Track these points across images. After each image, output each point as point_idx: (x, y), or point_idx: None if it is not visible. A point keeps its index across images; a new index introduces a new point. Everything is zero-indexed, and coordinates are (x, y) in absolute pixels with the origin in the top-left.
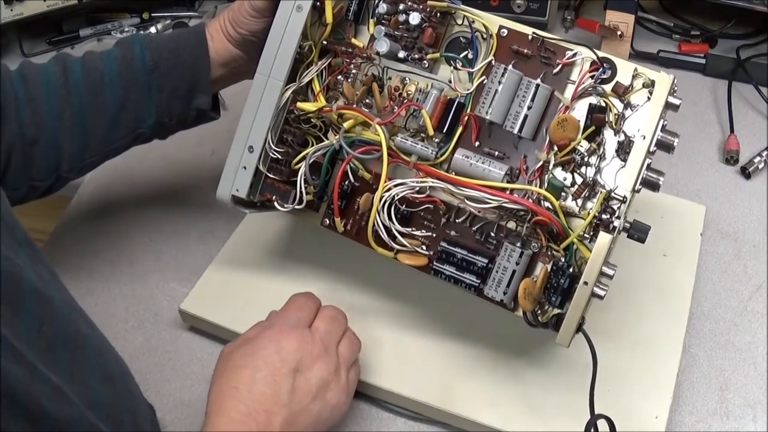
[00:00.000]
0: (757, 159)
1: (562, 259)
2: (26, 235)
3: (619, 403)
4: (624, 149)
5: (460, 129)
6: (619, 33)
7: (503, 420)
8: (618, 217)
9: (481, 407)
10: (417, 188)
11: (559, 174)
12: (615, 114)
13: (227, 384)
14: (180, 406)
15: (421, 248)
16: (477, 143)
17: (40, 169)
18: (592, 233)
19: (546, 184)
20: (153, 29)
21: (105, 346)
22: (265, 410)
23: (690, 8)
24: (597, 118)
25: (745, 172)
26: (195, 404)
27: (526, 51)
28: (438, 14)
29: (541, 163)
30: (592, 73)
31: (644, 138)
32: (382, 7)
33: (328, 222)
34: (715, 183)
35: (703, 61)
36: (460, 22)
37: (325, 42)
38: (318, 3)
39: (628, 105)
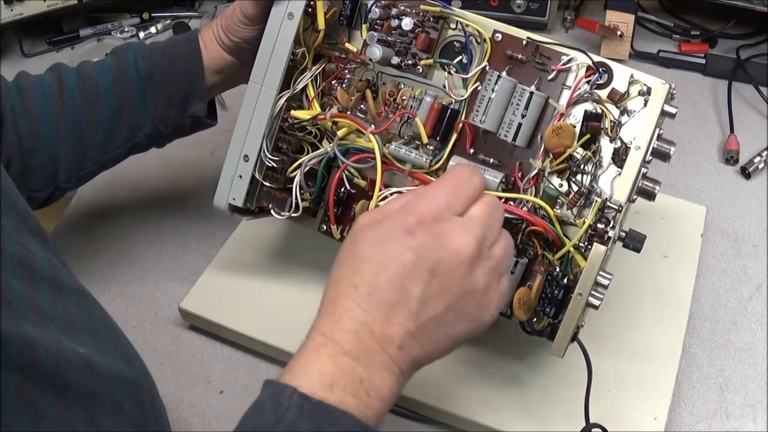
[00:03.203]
0: (757, 159)
1: (557, 269)
2: (38, 224)
3: (619, 404)
4: (620, 156)
5: (454, 136)
6: (619, 33)
7: (502, 421)
8: (613, 227)
9: (481, 408)
10: None
11: (555, 181)
12: (611, 121)
13: (347, 279)
14: (180, 406)
15: None
16: (471, 150)
17: (38, 179)
18: (587, 242)
19: (541, 193)
20: (153, 29)
21: (119, 333)
22: (384, 318)
23: (690, 8)
24: (592, 127)
25: (745, 172)
26: (195, 404)
27: (520, 56)
28: (431, 19)
29: (536, 171)
30: (588, 78)
31: (638, 149)
32: (375, 12)
33: (325, 228)
34: (715, 183)
35: (703, 61)
36: (453, 26)
37: (318, 48)
38: (310, 8)
39: (624, 111)
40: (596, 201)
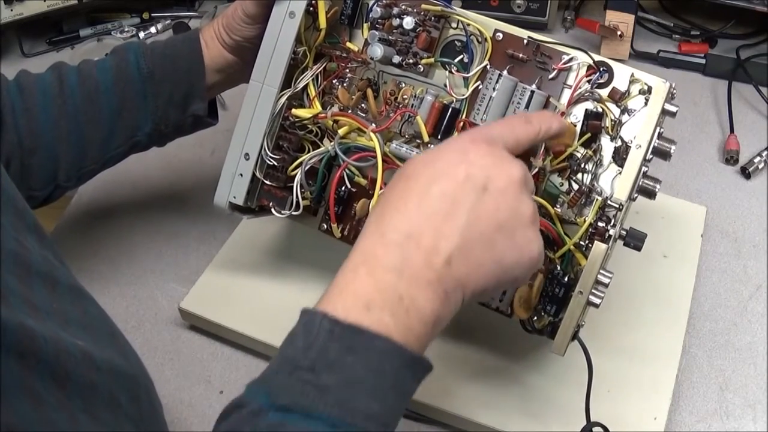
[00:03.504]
0: (757, 159)
1: (558, 268)
2: (36, 222)
3: (619, 404)
4: (621, 155)
5: (455, 135)
6: (619, 33)
7: (503, 420)
8: (614, 226)
9: (481, 408)
10: None
11: (556, 180)
12: (611, 120)
13: (396, 195)
14: (180, 406)
15: None
16: None
17: (38, 178)
18: (587, 241)
19: (542, 191)
20: (153, 29)
21: (116, 330)
22: (433, 229)
23: (690, 8)
24: (593, 125)
25: (745, 172)
26: (195, 404)
27: (521, 55)
28: (432, 18)
29: (536, 169)
30: (588, 78)
31: (639, 147)
32: (376, 11)
33: (325, 227)
34: (715, 183)
35: (703, 61)
36: (454, 25)
37: (319, 47)
38: (311, 7)
39: (625, 110)
40: (597, 199)
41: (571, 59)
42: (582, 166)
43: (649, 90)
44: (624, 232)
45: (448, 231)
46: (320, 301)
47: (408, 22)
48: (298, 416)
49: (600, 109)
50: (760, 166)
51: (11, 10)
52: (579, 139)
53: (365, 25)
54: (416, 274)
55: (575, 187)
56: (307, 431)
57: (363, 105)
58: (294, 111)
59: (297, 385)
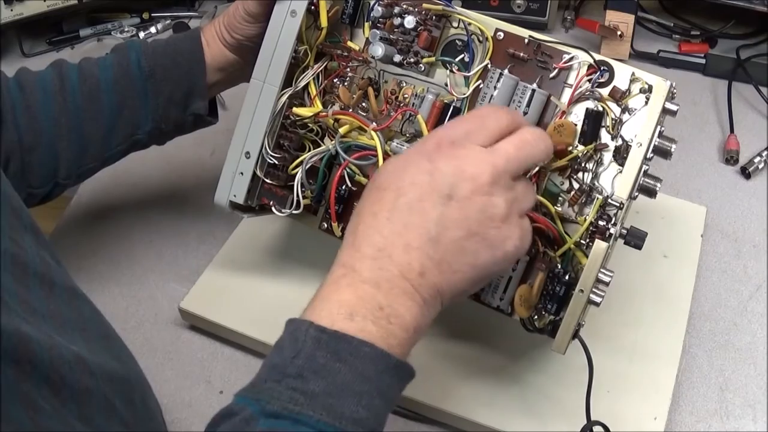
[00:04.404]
0: (757, 159)
1: (559, 266)
2: (32, 221)
3: (618, 404)
4: (621, 154)
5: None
6: (619, 33)
7: (502, 420)
8: (614, 224)
9: (481, 407)
10: None
11: (556, 179)
12: (612, 119)
13: (368, 209)
14: (180, 406)
15: None
16: None
17: (38, 176)
18: (588, 239)
19: (542, 190)
20: (153, 29)
21: (111, 331)
22: (404, 242)
23: (690, 8)
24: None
25: (745, 172)
26: (195, 404)
27: (522, 54)
28: (433, 17)
29: (537, 168)
30: (589, 77)
31: (640, 145)
32: (377, 11)
33: (326, 226)
34: (715, 183)
35: (703, 61)
36: (456, 24)
37: (320, 46)
38: (313, 6)
39: (625, 109)
40: (598, 198)
41: (571, 58)
42: (582, 164)
43: (650, 89)
44: (625, 231)
45: (418, 243)
46: (305, 312)
47: (409, 21)
48: (288, 422)
49: (601, 108)
50: (760, 166)
51: (11, 10)
52: (580, 138)
53: (366, 24)
54: (393, 286)
55: (576, 185)
56: None
57: (364, 104)
58: (295, 110)
59: (286, 392)
